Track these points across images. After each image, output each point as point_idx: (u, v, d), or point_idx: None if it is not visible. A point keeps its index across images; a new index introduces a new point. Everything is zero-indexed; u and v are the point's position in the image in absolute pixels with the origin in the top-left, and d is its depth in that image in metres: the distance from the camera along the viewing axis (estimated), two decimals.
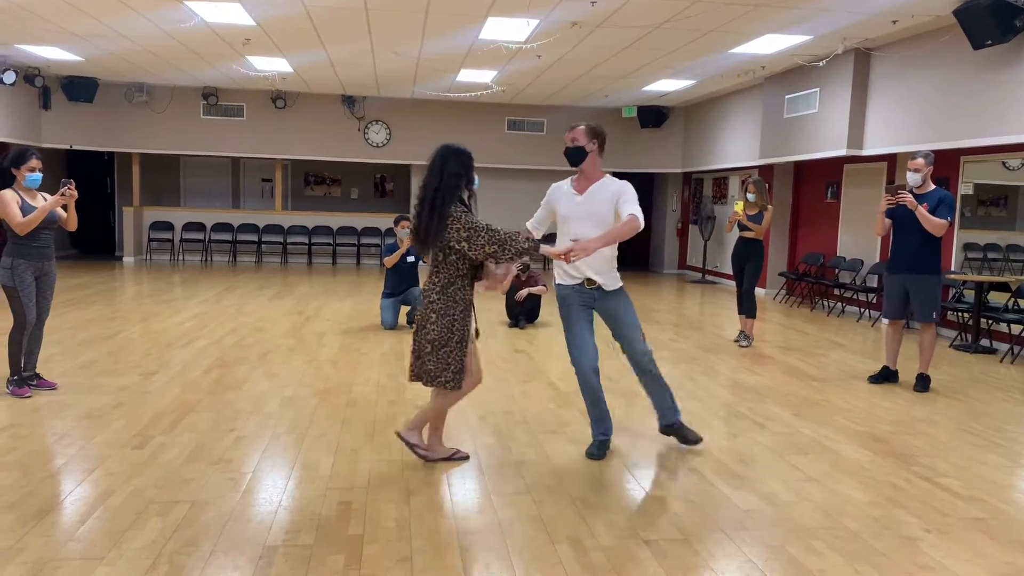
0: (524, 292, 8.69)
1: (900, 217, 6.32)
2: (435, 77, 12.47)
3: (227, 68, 12.42)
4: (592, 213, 4.39)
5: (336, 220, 16.37)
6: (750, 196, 8.13)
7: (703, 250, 15.20)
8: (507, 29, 9.01)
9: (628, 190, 4.40)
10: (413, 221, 4.14)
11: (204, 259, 15.93)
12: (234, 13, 8.79)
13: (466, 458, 4.37)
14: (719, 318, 10.36)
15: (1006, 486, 4.24)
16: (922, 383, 6.38)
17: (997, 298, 8.53)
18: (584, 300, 4.51)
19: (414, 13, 8.46)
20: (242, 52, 11.06)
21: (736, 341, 8.30)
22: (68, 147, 14.87)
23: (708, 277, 15.14)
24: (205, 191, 17.56)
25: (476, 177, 4.30)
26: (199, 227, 15.91)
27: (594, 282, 4.47)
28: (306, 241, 16.14)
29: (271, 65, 12.06)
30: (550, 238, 4.62)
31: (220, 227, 15.96)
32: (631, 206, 4.28)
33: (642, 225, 4.24)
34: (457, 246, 3.98)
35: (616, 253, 4.52)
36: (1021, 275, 8.62)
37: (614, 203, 4.35)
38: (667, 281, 15.17)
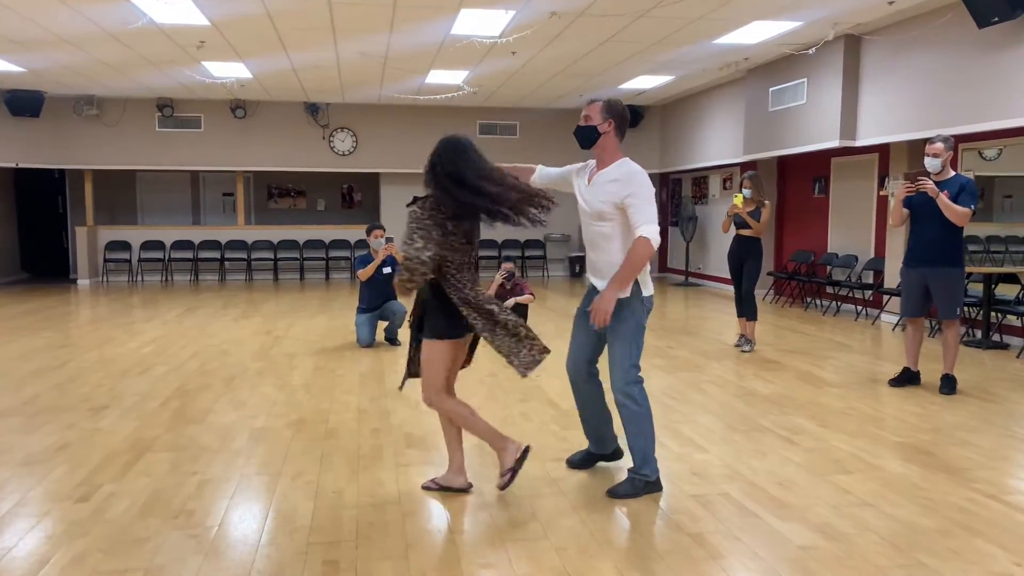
0: (511, 301, 8.11)
1: (918, 206, 5.85)
2: (403, 78, 11.88)
3: (182, 75, 11.71)
4: (591, 207, 3.81)
5: (303, 233, 15.67)
6: (746, 192, 7.66)
7: (685, 252, 14.75)
8: (481, 22, 8.46)
9: (637, 186, 3.65)
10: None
11: (164, 279, 15.13)
12: (186, 12, 8.13)
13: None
14: (713, 321, 9.87)
15: None
16: (948, 385, 5.91)
17: (1004, 291, 8.15)
18: (591, 298, 3.94)
19: (382, 6, 7.88)
20: (197, 57, 10.38)
21: (737, 346, 7.81)
22: (15, 165, 14.00)
23: (692, 279, 14.69)
24: (163, 208, 16.74)
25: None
26: (158, 245, 15.12)
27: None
28: (271, 256, 15.41)
29: (229, 71, 11.39)
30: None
31: (180, 245, 15.18)
32: (640, 217, 3.61)
33: (656, 245, 3.60)
34: None
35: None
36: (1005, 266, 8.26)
37: (617, 199, 3.68)
38: (657, 286, 14.68)
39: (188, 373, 6.61)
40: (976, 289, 8.14)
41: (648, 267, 3.79)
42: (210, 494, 3.83)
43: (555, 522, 3.48)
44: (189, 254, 15.19)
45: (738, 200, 7.58)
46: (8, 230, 15.40)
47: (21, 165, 14.04)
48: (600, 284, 3.82)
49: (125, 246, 15.02)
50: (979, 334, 8.10)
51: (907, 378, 6.15)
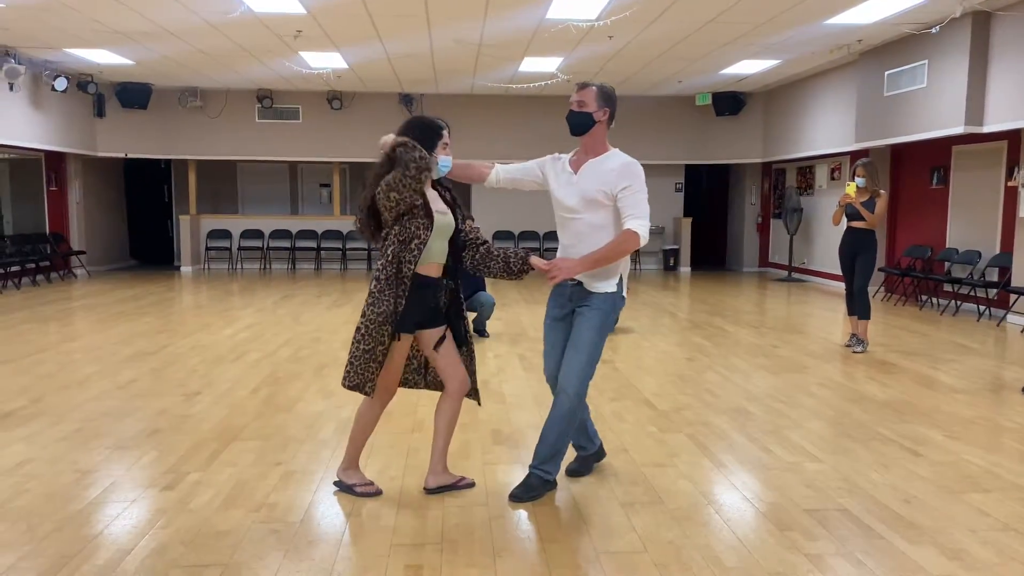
0: None
1: None
2: (497, 67, 11.69)
3: (280, 66, 11.87)
4: (582, 196, 3.52)
5: None
6: (859, 181, 7.14)
7: (789, 245, 14.08)
8: (578, 5, 8.18)
9: (634, 178, 3.45)
10: None
11: (263, 267, 15.47)
12: (283, 2, 8.16)
13: (472, 485, 3.71)
14: (820, 319, 9.32)
15: None
16: None
17: None
18: (559, 301, 3.68)
19: None
20: (294, 47, 10.47)
21: (848, 346, 7.29)
22: (124, 155, 14.55)
23: (795, 275, 14.01)
24: (262, 197, 17.13)
25: (441, 158, 3.52)
26: (257, 234, 15.45)
27: (573, 279, 3.59)
28: (365, 247, 15.54)
29: (325, 61, 11.46)
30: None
31: (278, 234, 15.48)
32: (634, 210, 3.41)
33: (643, 243, 3.39)
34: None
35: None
36: None
37: (612, 188, 3.45)
38: (748, 280, 14.10)
39: (280, 361, 6.61)
40: None
41: (628, 266, 3.64)
42: (294, 487, 3.72)
43: (655, 535, 3.20)
44: (287, 243, 15.46)
45: (851, 189, 7.06)
46: (118, 218, 16.04)
47: (130, 155, 14.57)
48: (583, 279, 3.57)
49: (226, 235, 15.41)
50: None
51: None
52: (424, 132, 3.47)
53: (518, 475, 3.86)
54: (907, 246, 11.12)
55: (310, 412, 5.04)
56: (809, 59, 11.19)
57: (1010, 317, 8.88)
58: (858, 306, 7.21)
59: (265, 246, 15.44)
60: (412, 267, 3.36)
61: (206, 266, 15.39)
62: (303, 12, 8.59)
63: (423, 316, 3.48)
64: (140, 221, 16.65)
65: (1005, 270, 9.10)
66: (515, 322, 8.70)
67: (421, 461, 4.09)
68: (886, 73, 10.10)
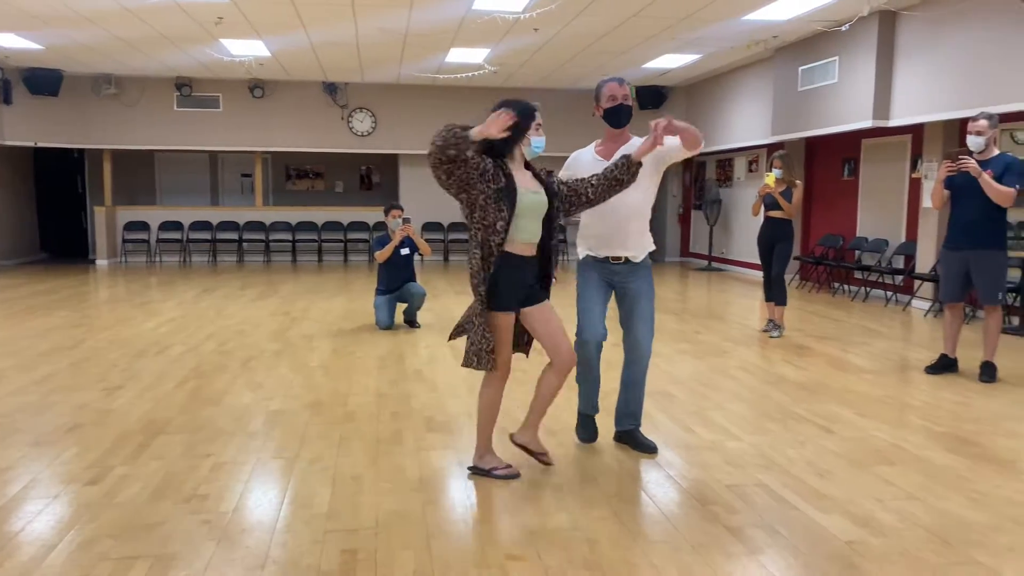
0: None
1: (960, 187, 5.59)
2: (423, 57, 11.67)
3: (200, 53, 11.57)
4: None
5: (321, 215, 15.53)
6: (777, 172, 7.42)
7: (709, 236, 14.49)
8: None
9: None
10: None
11: (182, 259, 15.07)
12: None
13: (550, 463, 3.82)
14: (739, 307, 9.65)
15: None
16: (988, 372, 5.68)
17: None
18: (606, 276, 4.00)
19: None
20: (215, 34, 10.22)
21: (765, 331, 7.59)
22: (33, 144, 13.94)
23: (715, 264, 14.43)
24: (182, 188, 16.68)
25: (534, 139, 3.59)
26: (176, 226, 15.04)
27: (620, 258, 3.95)
28: (290, 238, 15.30)
29: (247, 49, 11.23)
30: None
31: (198, 226, 15.10)
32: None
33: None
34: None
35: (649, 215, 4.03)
36: None
37: (654, 159, 3.79)
38: (671, 269, 14.46)
39: (204, 354, 6.49)
40: (1015, 275, 7.86)
41: None
42: (224, 478, 3.70)
43: (585, 512, 3.31)
44: (207, 235, 15.10)
45: (770, 180, 7.34)
46: (27, 210, 15.38)
47: (40, 144, 13.97)
48: (625, 252, 3.95)
49: (144, 226, 14.96)
50: (1016, 321, 7.83)
51: (944, 365, 5.92)
52: (518, 113, 3.46)
53: (452, 461, 3.94)
54: (820, 235, 11.59)
55: (238, 405, 4.99)
56: (728, 54, 11.52)
57: (915, 302, 9.37)
58: (775, 293, 7.50)
59: (185, 238, 15.05)
60: (499, 248, 3.45)
61: (123, 259, 14.91)
62: None
63: (521, 294, 3.58)
64: (51, 213, 16.00)
65: (910, 258, 9.59)
66: (445, 312, 8.74)
67: (353, 450, 4.11)
68: (800, 69, 10.49)
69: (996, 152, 5.59)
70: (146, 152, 15.86)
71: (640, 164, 3.61)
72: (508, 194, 3.42)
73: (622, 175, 3.61)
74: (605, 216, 3.88)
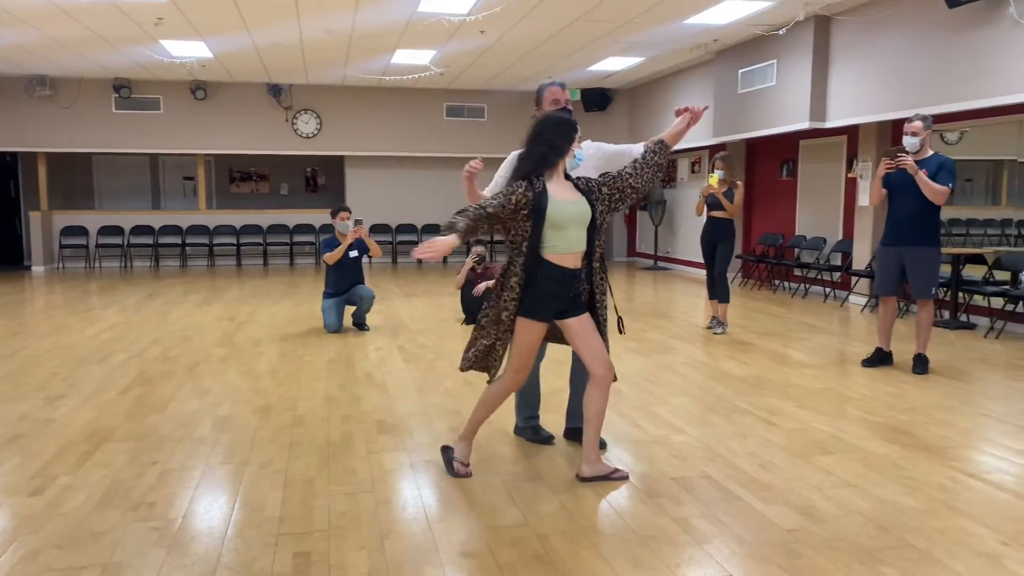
0: (482, 286, 7.96)
1: (897, 185, 5.81)
2: (369, 58, 11.62)
3: (139, 54, 11.33)
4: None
5: (266, 218, 15.34)
6: (719, 173, 7.60)
7: (654, 236, 14.72)
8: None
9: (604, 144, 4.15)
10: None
11: (123, 265, 14.73)
12: None
13: (626, 477, 3.72)
14: (684, 304, 9.83)
15: None
16: (921, 365, 5.91)
17: (971, 272, 8.21)
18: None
19: None
20: (154, 35, 10.04)
21: (709, 328, 7.76)
22: None
23: (660, 263, 14.67)
24: (121, 192, 16.30)
25: (577, 151, 3.66)
26: (116, 231, 14.69)
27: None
28: (234, 241, 15.07)
29: (188, 50, 11.05)
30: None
31: (140, 230, 14.77)
32: (626, 146, 4.07)
33: None
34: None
35: None
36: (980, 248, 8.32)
37: (609, 157, 4.03)
38: (617, 269, 14.64)
39: (149, 360, 6.38)
40: (944, 270, 8.17)
41: None
42: (173, 485, 3.66)
43: (535, 508, 3.37)
44: (149, 239, 14.79)
45: (713, 181, 7.51)
46: None
47: None
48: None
49: (82, 231, 14.58)
50: (947, 314, 8.14)
51: (879, 358, 6.14)
52: (560, 128, 3.54)
53: (403, 463, 3.95)
54: (761, 234, 11.87)
55: (185, 411, 4.92)
56: (670, 57, 11.73)
57: (852, 297, 9.68)
58: (719, 291, 7.68)
59: (125, 243, 14.71)
60: (536, 257, 3.46)
61: (60, 265, 14.51)
62: None
63: (559, 306, 3.53)
64: None
65: (847, 255, 9.90)
66: (394, 315, 8.73)
67: (304, 453, 4.10)
68: (740, 71, 10.74)
69: (930, 152, 5.82)
70: (83, 155, 15.47)
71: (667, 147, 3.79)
72: (537, 207, 3.43)
73: (661, 159, 3.74)
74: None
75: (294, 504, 3.42)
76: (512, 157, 4.12)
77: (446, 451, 3.87)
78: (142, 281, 12.35)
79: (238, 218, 15.26)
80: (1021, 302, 7.41)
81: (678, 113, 3.87)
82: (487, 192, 4.05)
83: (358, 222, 7.58)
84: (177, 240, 14.85)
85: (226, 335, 7.54)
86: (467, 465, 3.77)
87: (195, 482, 3.69)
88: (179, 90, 14.04)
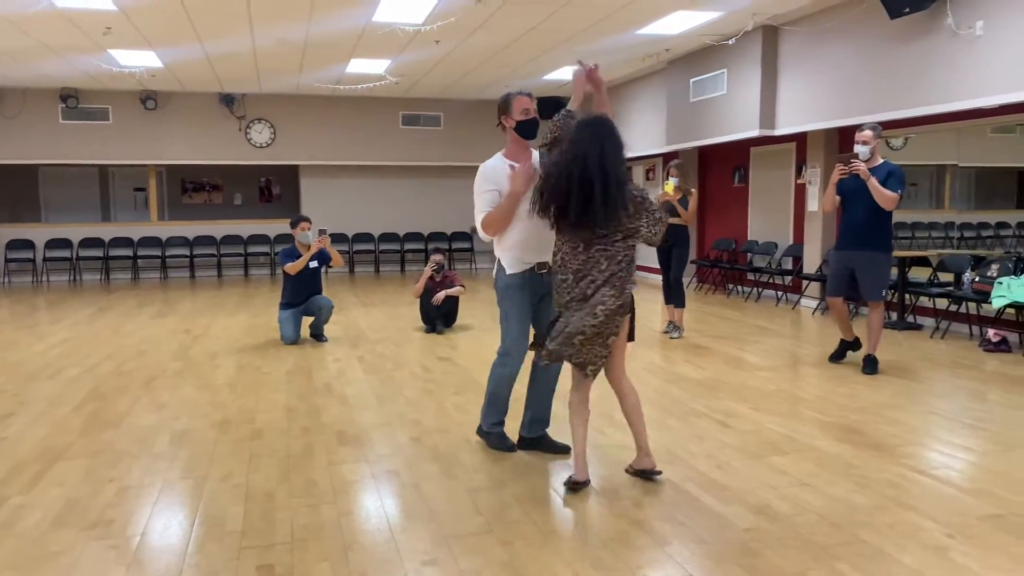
0: (442, 294, 7.99)
1: (850, 191, 5.99)
2: (323, 67, 11.57)
3: (87, 64, 11.12)
4: None
5: (219, 229, 15.13)
6: (674, 180, 7.73)
7: None
8: (404, 9, 8.28)
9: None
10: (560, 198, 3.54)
11: (72, 279, 14.40)
12: None
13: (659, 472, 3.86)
14: (640, 310, 9.80)
15: (1004, 474, 3.88)
16: (871, 365, 6.08)
17: (917, 274, 8.46)
18: (535, 288, 4.05)
19: None
20: (103, 44, 9.87)
21: (666, 332, 7.88)
22: None
23: None
24: (69, 204, 15.93)
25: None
26: (64, 244, 14.36)
27: (546, 265, 4.00)
28: (187, 253, 14.84)
29: (138, 60, 10.87)
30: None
31: (89, 243, 14.45)
32: None
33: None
34: (647, 231, 3.56)
35: None
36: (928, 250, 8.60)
37: None
38: None
39: (102, 375, 6.27)
40: (893, 273, 8.41)
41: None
42: (131, 502, 3.61)
43: (499, 516, 3.40)
44: (99, 252, 14.48)
45: (668, 188, 7.64)
46: None
47: None
48: (549, 260, 3.95)
49: (28, 245, 14.22)
50: (894, 316, 8.38)
51: (844, 349, 6.33)
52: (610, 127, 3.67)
53: (365, 473, 3.96)
54: (715, 239, 12.08)
55: (141, 426, 4.85)
56: (624, 66, 11.88)
57: (803, 301, 9.90)
58: (674, 296, 7.80)
59: (74, 256, 14.39)
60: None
61: (6, 280, 14.13)
62: (114, 9, 8.14)
63: None
64: None
65: (798, 259, 10.12)
66: (352, 325, 8.69)
67: (264, 466, 4.07)
68: (691, 80, 10.92)
69: (879, 161, 6.01)
70: (29, 167, 15.10)
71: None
72: None
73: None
74: (537, 222, 3.80)
75: (255, 517, 3.40)
76: (491, 170, 4.00)
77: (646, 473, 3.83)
78: (92, 295, 12.10)
79: (191, 229, 15.03)
80: (964, 303, 7.66)
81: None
82: (481, 206, 3.97)
83: (322, 232, 7.54)
84: (128, 252, 14.57)
85: (181, 348, 7.43)
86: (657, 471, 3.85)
87: (153, 498, 3.65)
88: (128, 100, 13.81)
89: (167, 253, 14.73)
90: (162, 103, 13.92)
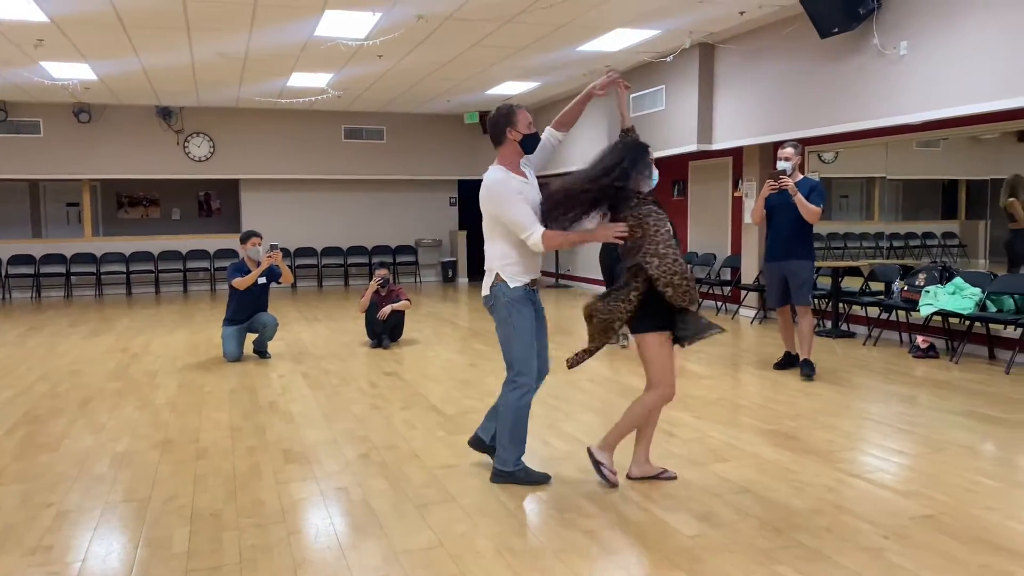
0: (387, 309, 7.97)
1: (776, 206, 6.28)
2: (264, 80, 11.45)
3: (16, 76, 10.81)
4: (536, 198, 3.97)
5: (157, 244, 14.81)
6: None
7: (555, 254, 15.00)
8: (347, 24, 8.27)
9: None
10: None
11: (1, 297, 13.91)
12: (21, 7, 7.50)
13: (674, 477, 4.02)
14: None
15: (934, 475, 4.05)
16: (808, 368, 6.32)
17: (849, 284, 8.76)
18: (532, 303, 4.03)
19: (241, 4, 7.55)
20: (34, 57, 9.61)
21: (612, 343, 7.98)
22: None
23: (562, 281, 14.96)
24: None
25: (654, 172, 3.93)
26: None
27: (536, 282, 4.05)
28: (123, 269, 14.48)
29: (71, 72, 10.61)
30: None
31: (18, 259, 13.98)
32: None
33: None
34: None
35: None
36: (853, 261, 8.92)
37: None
38: None
39: (36, 397, 6.08)
40: (825, 282, 8.69)
41: None
42: (70, 527, 3.52)
43: (448, 530, 3.42)
44: (30, 269, 14.02)
45: None
46: None
47: None
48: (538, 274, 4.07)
49: None
50: (829, 324, 8.65)
51: (788, 361, 6.58)
52: (637, 151, 3.90)
53: (313, 491, 3.93)
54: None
55: (79, 448, 4.73)
56: (566, 82, 12.04)
57: (742, 311, 10.15)
58: None
59: (3, 273, 13.90)
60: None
61: None
62: (45, 20, 7.94)
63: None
64: None
65: (736, 270, 10.38)
66: (296, 341, 8.60)
67: (209, 487, 4.02)
68: (631, 97, 11.13)
69: (800, 176, 6.32)
70: None
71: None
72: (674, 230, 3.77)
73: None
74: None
75: (202, 539, 3.36)
76: (517, 181, 3.93)
77: (597, 463, 3.94)
78: (23, 314, 11.71)
79: (127, 245, 14.66)
80: (894, 311, 7.96)
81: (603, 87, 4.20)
82: (524, 216, 3.82)
83: (273, 247, 7.43)
84: (61, 269, 14.15)
85: (119, 367, 7.26)
86: (615, 473, 3.92)
87: (94, 522, 3.57)
88: (61, 113, 13.44)
89: (102, 270, 14.34)
90: (96, 116, 13.59)
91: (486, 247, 4.04)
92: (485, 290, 4.00)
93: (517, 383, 3.93)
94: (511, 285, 3.91)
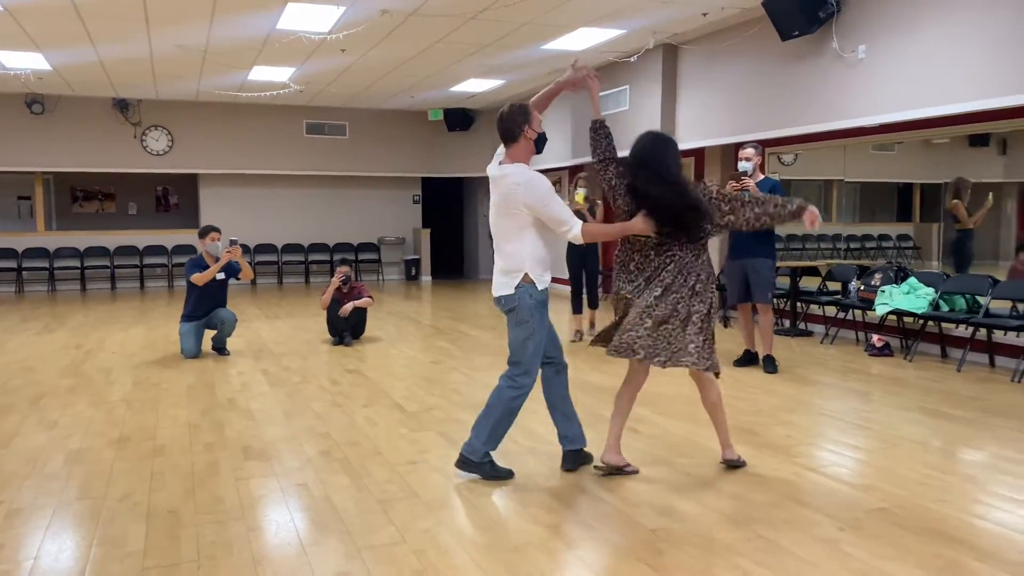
0: (349, 306, 7.90)
1: None
2: (224, 73, 11.29)
3: None
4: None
5: (113, 239, 14.51)
6: (584, 190, 7.95)
7: None
8: (310, 17, 8.18)
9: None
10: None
11: None
12: None
13: (636, 471, 4.07)
14: (552, 320, 10.06)
15: (888, 469, 4.13)
16: (770, 364, 6.47)
17: (807, 283, 8.90)
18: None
19: None
20: None
21: (574, 341, 8.06)
22: None
23: None
24: None
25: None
26: None
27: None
28: (78, 265, 14.16)
29: (23, 61, 10.35)
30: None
31: None
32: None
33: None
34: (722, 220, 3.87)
35: None
36: (813, 261, 9.08)
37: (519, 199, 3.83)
38: (485, 287, 14.82)
39: None
40: (784, 282, 8.82)
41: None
42: (21, 525, 3.43)
43: (411, 525, 3.40)
44: None
45: (579, 198, 7.83)
46: None
47: None
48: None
49: None
50: (787, 323, 8.79)
51: (748, 359, 6.67)
52: (668, 145, 3.93)
53: (273, 487, 3.88)
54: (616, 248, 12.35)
55: (31, 446, 4.62)
56: (531, 80, 12.06)
57: None
58: (591, 299, 8.14)
59: None
60: None
61: None
62: None
63: None
64: None
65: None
66: (255, 338, 8.49)
67: (167, 484, 3.95)
68: None
69: (761, 177, 6.43)
70: None
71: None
72: None
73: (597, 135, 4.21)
74: (548, 240, 3.88)
75: (159, 536, 3.30)
76: (541, 177, 3.91)
77: (730, 464, 4.09)
78: None
79: (82, 239, 14.35)
80: (851, 310, 8.11)
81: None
82: (564, 210, 3.84)
83: (233, 242, 7.33)
84: (12, 264, 13.79)
85: (73, 364, 7.10)
86: (631, 464, 4.07)
87: (47, 521, 3.48)
88: (12, 103, 13.11)
89: (55, 265, 14.01)
90: (50, 107, 13.27)
91: (507, 246, 3.90)
92: (506, 289, 3.88)
93: (518, 383, 3.94)
94: (539, 287, 3.88)
